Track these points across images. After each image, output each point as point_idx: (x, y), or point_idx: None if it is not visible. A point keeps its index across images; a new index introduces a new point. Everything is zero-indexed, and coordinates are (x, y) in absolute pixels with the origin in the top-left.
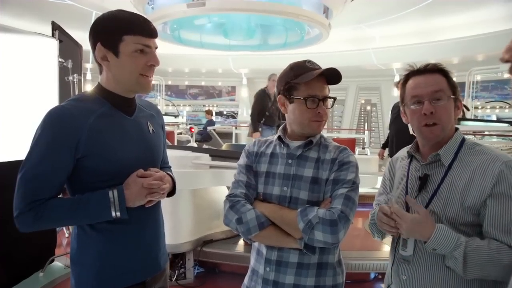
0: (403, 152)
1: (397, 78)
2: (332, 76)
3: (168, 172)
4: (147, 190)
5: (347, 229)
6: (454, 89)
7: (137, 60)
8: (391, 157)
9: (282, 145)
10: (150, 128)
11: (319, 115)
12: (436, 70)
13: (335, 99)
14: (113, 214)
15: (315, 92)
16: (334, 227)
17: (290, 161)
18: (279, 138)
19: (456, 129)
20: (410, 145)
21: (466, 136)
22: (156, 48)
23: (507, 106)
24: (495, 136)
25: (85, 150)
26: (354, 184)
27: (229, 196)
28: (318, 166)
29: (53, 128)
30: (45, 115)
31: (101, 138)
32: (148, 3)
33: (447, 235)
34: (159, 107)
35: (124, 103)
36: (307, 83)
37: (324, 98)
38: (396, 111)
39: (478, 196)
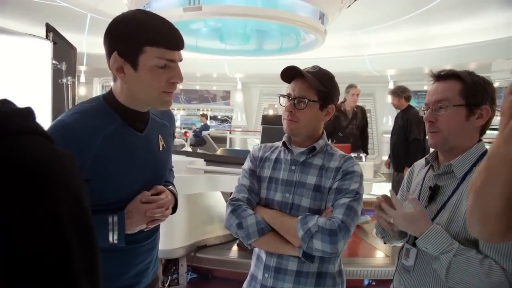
0: (424, 158)
1: (391, 85)
2: (289, 73)
3: (171, 187)
4: (149, 218)
5: (347, 239)
6: (469, 96)
7: (158, 77)
8: (395, 169)
9: (287, 151)
10: (161, 144)
11: (286, 113)
12: (449, 76)
13: (311, 100)
14: (110, 240)
15: (289, 91)
16: (333, 237)
17: (293, 167)
18: (284, 144)
19: (480, 140)
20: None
21: None
22: (181, 60)
23: (498, 114)
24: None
25: (88, 174)
26: (357, 195)
27: (231, 200)
28: (321, 174)
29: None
30: (50, 129)
31: (107, 163)
32: (144, 6)
33: (441, 237)
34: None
35: (137, 118)
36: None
37: (297, 98)
38: (396, 122)
39: None
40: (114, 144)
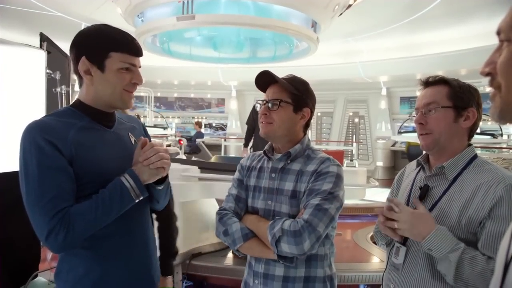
0: (415, 160)
1: (384, 91)
2: (263, 79)
3: None
4: (149, 162)
5: (315, 239)
6: (457, 99)
7: (122, 77)
8: None
9: (268, 159)
10: (132, 139)
11: (261, 115)
12: (437, 82)
13: (284, 101)
14: (134, 197)
15: (265, 97)
16: (297, 238)
17: (273, 175)
18: (264, 152)
19: (470, 145)
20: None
21: None
22: (140, 67)
23: (489, 119)
24: (479, 148)
25: (71, 162)
26: (330, 195)
27: (219, 209)
28: (297, 179)
29: (36, 138)
30: (24, 131)
31: (83, 150)
32: (138, 15)
33: (446, 237)
34: (148, 119)
35: (104, 117)
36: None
37: (269, 101)
38: None
39: (475, 215)
40: (86, 135)
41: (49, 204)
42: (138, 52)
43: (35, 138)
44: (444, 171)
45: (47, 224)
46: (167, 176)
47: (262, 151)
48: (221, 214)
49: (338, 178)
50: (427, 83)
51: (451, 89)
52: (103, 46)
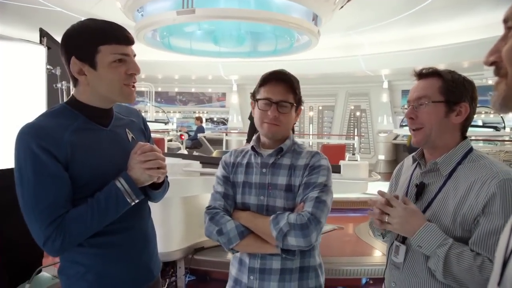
0: (411, 156)
1: (385, 84)
2: (273, 77)
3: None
4: (146, 166)
5: (319, 231)
6: (449, 93)
7: (116, 70)
8: None
9: (256, 155)
10: (130, 136)
11: (270, 117)
12: (430, 74)
13: (292, 104)
14: (129, 200)
15: (269, 95)
16: (305, 231)
17: (264, 170)
18: (252, 148)
19: (465, 138)
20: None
21: None
22: (135, 55)
23: (492, 112)
24: (481, 141)
25: (67, 165)
26: (325, 187)
27: (208, 208)
28: (291, 173)
29: (31, 145)
30: (17, 135)
31: (79, 152)
32: (138, 10)
33: (435, 233)
34: (148, 114)
35: (100, 114)
36: (266, 87)
37: (279, 102)
38: None
39: (470, 212)
40: (81, 137)
41: (44, 212)
42: (128, 41)
43: (30, 145)
44: (438, 167)
45: (43, 231)
46: (163, 182)
47: (245, 147)
48: (212, 213)
49: (328, 171)
50: (420, 75)
51: (443, 83)
52: (91, 42)
